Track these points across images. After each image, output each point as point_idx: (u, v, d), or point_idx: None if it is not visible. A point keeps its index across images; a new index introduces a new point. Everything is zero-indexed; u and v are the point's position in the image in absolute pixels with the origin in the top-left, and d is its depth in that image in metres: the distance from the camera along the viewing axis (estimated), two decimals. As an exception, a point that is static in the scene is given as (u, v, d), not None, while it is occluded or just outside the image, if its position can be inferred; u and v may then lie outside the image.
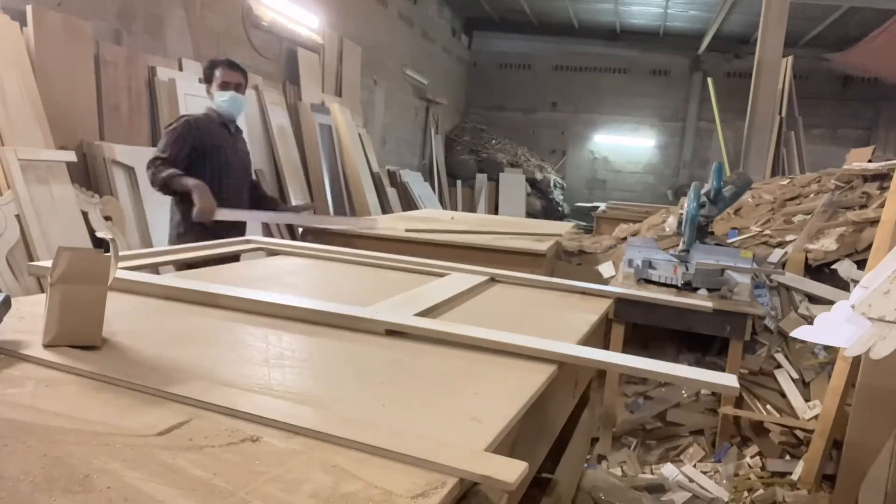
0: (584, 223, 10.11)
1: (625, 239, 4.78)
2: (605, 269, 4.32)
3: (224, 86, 3.05)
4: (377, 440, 0.89)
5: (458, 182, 12.20)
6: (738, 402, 3.19)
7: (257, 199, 3.37)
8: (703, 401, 3.33)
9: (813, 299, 3.59)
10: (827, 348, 3.31)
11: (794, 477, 2.84)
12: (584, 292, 2.17)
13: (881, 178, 4.25)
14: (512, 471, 0.84)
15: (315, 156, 6.82)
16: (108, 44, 4.49)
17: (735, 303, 2.99)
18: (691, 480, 2.92)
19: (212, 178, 2.92)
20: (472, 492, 0.86)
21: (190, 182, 2.79)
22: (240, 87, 3.11)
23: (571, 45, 14.32)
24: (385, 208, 8.08)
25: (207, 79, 3.10)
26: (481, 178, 12.31)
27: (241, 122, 3.36)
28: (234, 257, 2.61)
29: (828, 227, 3.92)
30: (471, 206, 11.93)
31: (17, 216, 3.43)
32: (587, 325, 1.74)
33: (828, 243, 3.76)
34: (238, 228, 2.93)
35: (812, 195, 4.54)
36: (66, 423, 0.91)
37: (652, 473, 3.04)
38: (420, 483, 0.81)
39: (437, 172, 11.74)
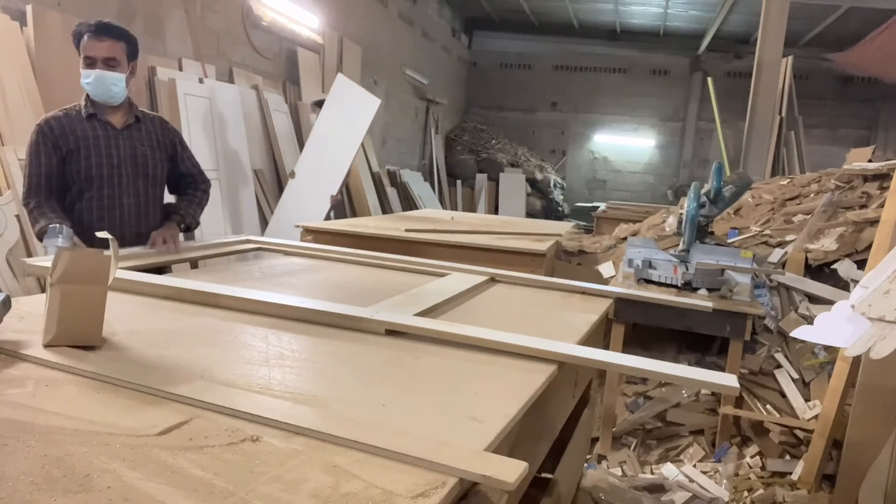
0: (584, 223, 10.11)
1: (625, 239, 4.78)
2: (605, 269, 4.32)
3: (88, 62, 2.25)
4: (377, 440, 0.89)
5: (458, 182, 12.20)
6: (738, 402, 3.18)
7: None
8: (703, 401, 3.33)
9: (813, 299, 3.59)
10: (827, 348, 3.31)
11: (794, 477, 2.84)
12: (584, 292, 2.17)
13: (881, 178, 4.25)
14: (512, 471, 0.84)
15: (315, 156, 6.82)
16: (108, 44, 4.48)
17: (735, 303, 2.99)
18: (691, 480, 2.92)
19: (79, 193, 2.31)
20: (472, 492, 0.86)
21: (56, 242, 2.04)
22: (112, 63, 2.27)
23: (571, 45, 14.32)
24: (385, 208, 8.08)
25: (76, 47, 2.30)
26: (481, 178, 12.31)
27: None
28: (163, 268, 2.29)
29: (828, 227, 3.92)
30: (471, 206, 11.93)
31: (17, 216, 3.43)
32: (587, 325, 1.74)
33: (828, 243, 3.76)
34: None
35: (812, 195, 4.54)
36: (66, 423, 0.91)
37: (652, 473, 3.04)
38: (420, 483, 0.81)
39: (437, 172, 11.74)
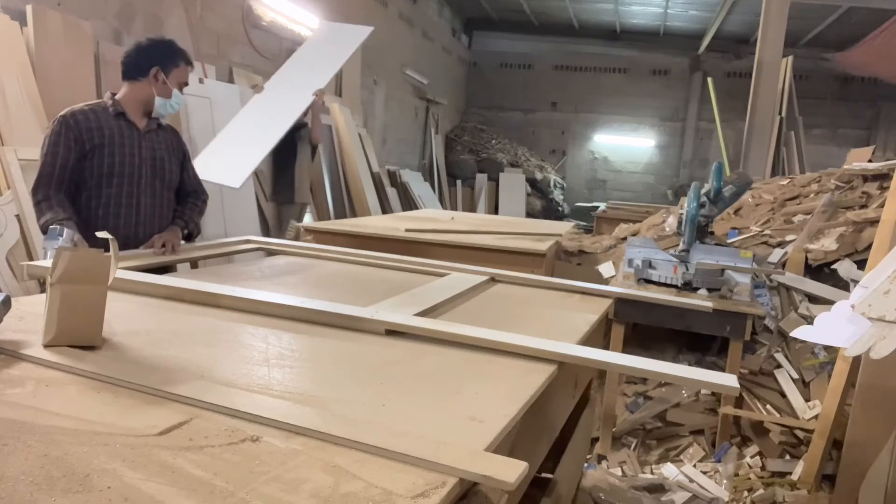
0: (584, 223, 10.11)
1: (625, 239, 4.78)
2: (605, 269, 4.32)
3: (181, 86, 2.49)
4: (377, 440, 0.89)
5: (458, 182, 12.20)
6: (738, 402, 3.18)
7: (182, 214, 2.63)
8: (703, 401, 3.33)
9: (813, 299, 3.59)
10: (827, 348, 3.30)
11: (794, 477, 2.84)
12: (584, 292, 2.17)
13: (881, 178, 4.25)
14: (512, 471, 0.84)
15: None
16: (108, 44, 4.49)
17: (735, 303, 2.99)
18: (691, 480, 2.92)
19: (97, 189, 2.32)
20: (472, 492, 0.86)
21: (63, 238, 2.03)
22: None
23: (571, 45, 14.33)
24: (385, 208, 8.08)
25: (160, 63, 2.39)
26: (481, 178, 12.31)
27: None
28: (168, 267, 2.32)
29: (828, 227, 3.92)
30: (471, 206, 11.93)
31: (17, 216, 3.43)
32: (587, 325, 1.74)
33: (828, 243, 3.75)
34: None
35: (812, 195, 4.54)
36: (66, 423, 0.91)
37: (652, 473, 3.04)
38: (420, 483, 0.81)
39: (437, 172, 11.74)
